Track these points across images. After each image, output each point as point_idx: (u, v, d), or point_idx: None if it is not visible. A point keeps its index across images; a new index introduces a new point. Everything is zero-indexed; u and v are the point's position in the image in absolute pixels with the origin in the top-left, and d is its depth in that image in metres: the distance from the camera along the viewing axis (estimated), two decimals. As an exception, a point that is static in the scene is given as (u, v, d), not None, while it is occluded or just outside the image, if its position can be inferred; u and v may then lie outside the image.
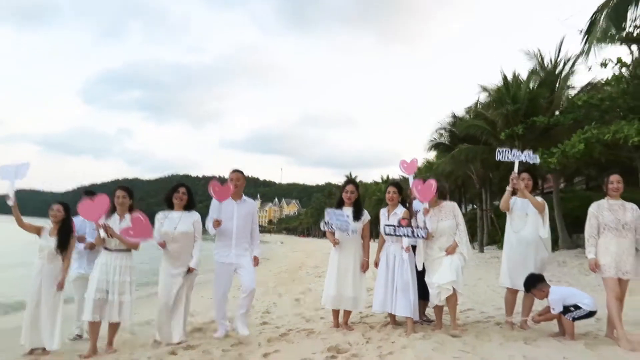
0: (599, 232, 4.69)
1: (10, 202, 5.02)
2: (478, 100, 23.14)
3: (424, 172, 36.15)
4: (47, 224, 5.35)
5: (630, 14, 9.90)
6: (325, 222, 5.24)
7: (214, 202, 5.22)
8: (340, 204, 5.37)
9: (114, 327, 4.93)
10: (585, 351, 3.93)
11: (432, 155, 31.28)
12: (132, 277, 5.02)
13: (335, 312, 5.27)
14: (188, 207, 5.26)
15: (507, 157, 5.34)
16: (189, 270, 5.10)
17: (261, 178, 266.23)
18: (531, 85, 18.99)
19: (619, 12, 9.75)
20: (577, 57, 12.70)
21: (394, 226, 4.90)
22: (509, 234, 5.15)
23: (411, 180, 5.65)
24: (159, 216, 5.20)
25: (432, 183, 4.88)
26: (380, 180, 60.60)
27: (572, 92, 18.74)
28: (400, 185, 5.43)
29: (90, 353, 4.70)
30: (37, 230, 5.31)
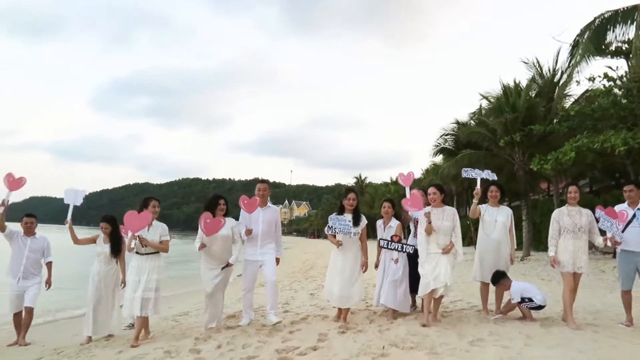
0: (560, 234, 5.61)
1: (67, 224, 6.03)
2: (481, 107, 23.98)
3: (431, 174, 37.15)
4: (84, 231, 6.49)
5: (609, 36, 10.86)
6: (329, 227, 5.89)
7: (243, 212, 6.08)
8: (341, 210, 6.04)
9: (143, 320, 5.50)
10: (539, 329, 5.03)
11: (439, 157, 32.01)
12: (160, 275, 5.61)
13: (339, 309, 6.00)
14: (226, 214, 6.03)
15: (471, 175, 6.40)
16: (227, 265, 5.88)
17: (271, 180, 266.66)
18: (532, 93, 19.85)
19: (599, 35, 10.70)
20: (570, 72, 13.52)
21: (387, 241, 5.85)
22: (481, 236, 6.17)
23: (408, 192, 6.74)
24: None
25: (417, 193, 5.83)
26: (389, 181, 60.90)
27: (571, 100, 19.56)
28: (393, 201, 6.42)
29: (136, 337, 5.38)
30: (93, 241, 6.17)
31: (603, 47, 11.38)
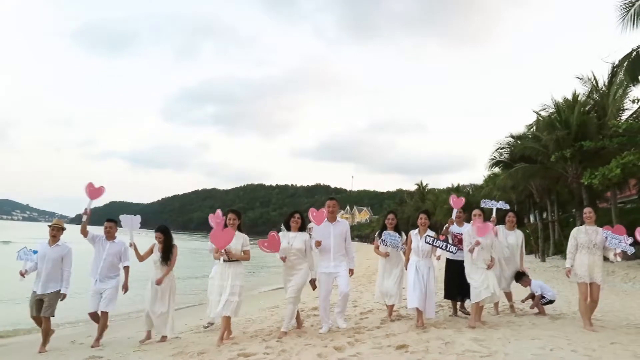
0: (577, 249, 6.39)
1: (131, 246, 6.64)
2: (538, 119, 24.49)
3: (490, 182, 37.69)
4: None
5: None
6: (382, 240, 6.89)
7: (315, 227, 6.50)
8: (384, 228, 7.07)
9: (227, 319, 6.00)
10: (546, 320, 6.70)
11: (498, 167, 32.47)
12: (242, 281, 6.01)
13: (389, 307, 7.10)
14: (301, 228, 6.47)
15: (488, 205, 7.62)
16: (312, 282, 6.43)
17: (332, 186, 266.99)
18: (587, 107, 20.47)
19: (635, 66, 11.70)
20: (611, 99, 14.22)
21: (434, 238, 6.41)
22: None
23: (454, 214, 7.41)
24: (280, 234, 6.33)
25: (490, 225, 6.51)
26: (452, 186, 59.87)
27: (626, 115, 19.90)
28: (429, 212, 7.00)
29: (221, 338, 5.95)
30: (151, 251, 6.64)
31: (638, 78, 12.30)
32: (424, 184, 79.25)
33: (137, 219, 6.92)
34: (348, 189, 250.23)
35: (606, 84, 20.43)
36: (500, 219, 7.67)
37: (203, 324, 7.80)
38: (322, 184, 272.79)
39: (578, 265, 6.38)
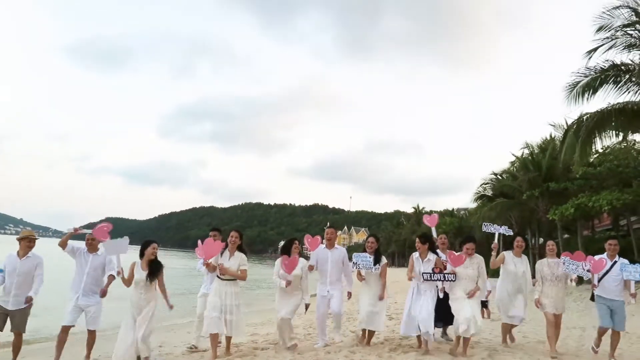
0: (542, 281, 6.50)
1: (119, 275, 6.00)
2: (522, 154, 27.18)
3: (480, 210, 40.56)
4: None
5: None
6: (354, 263, 6.66)
7: (312, 253, 6.98)
8: (364, 251, 6.90)
9: (228, 339, 6.14)
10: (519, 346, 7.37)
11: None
12: (239, 300, 6.09)
13: (363, 332, 6.97)
14: (300, 255, 6.72)
15: (490, 230, 7.30)
16: (306, 307, 6.71)
17: (330, 206, 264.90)
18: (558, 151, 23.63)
19: (580, 129, 14.49)
20: (563, 158, 16.67)
21: (430, 274, 6.26)
22: (504, 280, 6.96)
23: (434, 232, 7.42)
24: (278, 261, 6.64)
25: (463, 256, 6.35)
26: (451, 209, 59.73)
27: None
28: (427, 236, 6.79)
29: (213, 356, 5.90)
30: (133, 271, 5.92)
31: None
32: (420, 207, 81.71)
33: (125, 242, 6.21)
34: (346, 209, 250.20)
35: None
36: (508, 244, 7.48)
37: (191, 342, 7.20)
38: (320, 204, 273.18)
39: (544, 296, 6.57)
